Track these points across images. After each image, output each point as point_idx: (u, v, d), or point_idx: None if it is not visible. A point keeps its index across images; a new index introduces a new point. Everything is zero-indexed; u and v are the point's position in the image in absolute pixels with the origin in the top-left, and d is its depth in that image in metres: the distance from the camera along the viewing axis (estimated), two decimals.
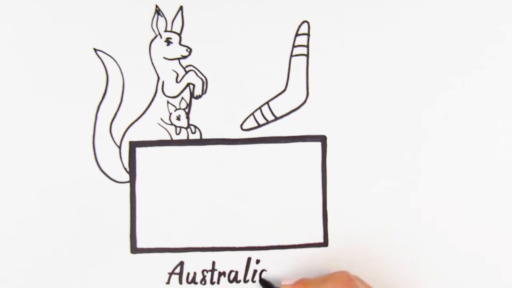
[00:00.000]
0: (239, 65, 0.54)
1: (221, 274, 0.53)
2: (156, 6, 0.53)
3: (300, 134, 0.54)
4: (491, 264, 0.54)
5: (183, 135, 0.53)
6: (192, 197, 0.53)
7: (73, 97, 0.53)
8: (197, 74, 0.53)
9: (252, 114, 0.54)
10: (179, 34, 0.53)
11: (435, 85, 0.54)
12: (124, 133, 0.53)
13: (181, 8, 0.53)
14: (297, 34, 0.54)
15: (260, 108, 0.54)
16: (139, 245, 0.53)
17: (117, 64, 0.53)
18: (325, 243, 0.53)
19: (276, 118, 0.54)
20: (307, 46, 0.54)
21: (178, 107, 0.53)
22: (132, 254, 0.53)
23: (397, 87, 0.54)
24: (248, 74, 0.54)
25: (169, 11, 0.53)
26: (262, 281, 0.53)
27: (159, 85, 0.53)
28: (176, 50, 0.53)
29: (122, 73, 0.53)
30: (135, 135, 0.53)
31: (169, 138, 0.53)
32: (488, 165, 0.54)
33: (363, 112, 0.54)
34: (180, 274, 0.53)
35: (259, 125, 0.54)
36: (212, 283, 0.53)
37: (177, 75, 0.54)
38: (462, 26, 0.54)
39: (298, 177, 0.53)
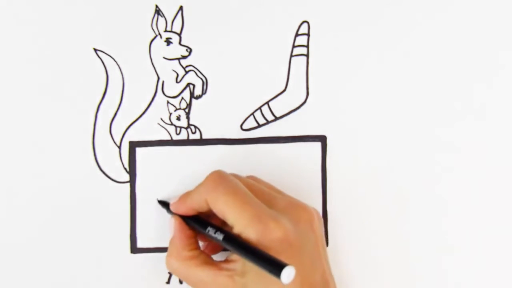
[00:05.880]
0: (239, 65, 0.54)
1: None
2: (156, 6, 0.53)
3: (300, 134, 0.54)
4: (493, 266, 0.54)
5: (183, 135, 0.53)
6: None
7: (73, 97, 0.53)
8: (197, 74, 0.53)
9: (252, 114, 0.54)
10: (179, 34, 0.53)
11: (436, 85, 0.54)
12: (124, 133, 0.53)
13: (181, 8, 0.53)
14: (297, 34, 0.54)
15: (260, 108, 0.54)
16: (139, 245, 0.53)
17: (117, 64, 0.53)
18: None
19: (276, 118, 0.54)
20: (307, 46, 0.54)
21: (178, 107, 0.53)
22: (132, 254, 0.53)
23: (397, 87, 0.54)
24: (248, 74, 0.54)
25: (169, 11, 0.53)
26: (160, 202, 0.52)
27: (159, 85, 0.53)
28: (176, 50, 0.53)
29: (122, 73, 0.53)
30: (135, 135, 0.53)
31: (169, 138, 0.53)
32: (489, 166, 0.54)
33: (363, 112, 0.54)
34: None
35: (259, 125, 0.54)
36: None
37: (177, 75, 0.53)
38: (463, 27, 0.54)
39: (298, 177, 0.53)
